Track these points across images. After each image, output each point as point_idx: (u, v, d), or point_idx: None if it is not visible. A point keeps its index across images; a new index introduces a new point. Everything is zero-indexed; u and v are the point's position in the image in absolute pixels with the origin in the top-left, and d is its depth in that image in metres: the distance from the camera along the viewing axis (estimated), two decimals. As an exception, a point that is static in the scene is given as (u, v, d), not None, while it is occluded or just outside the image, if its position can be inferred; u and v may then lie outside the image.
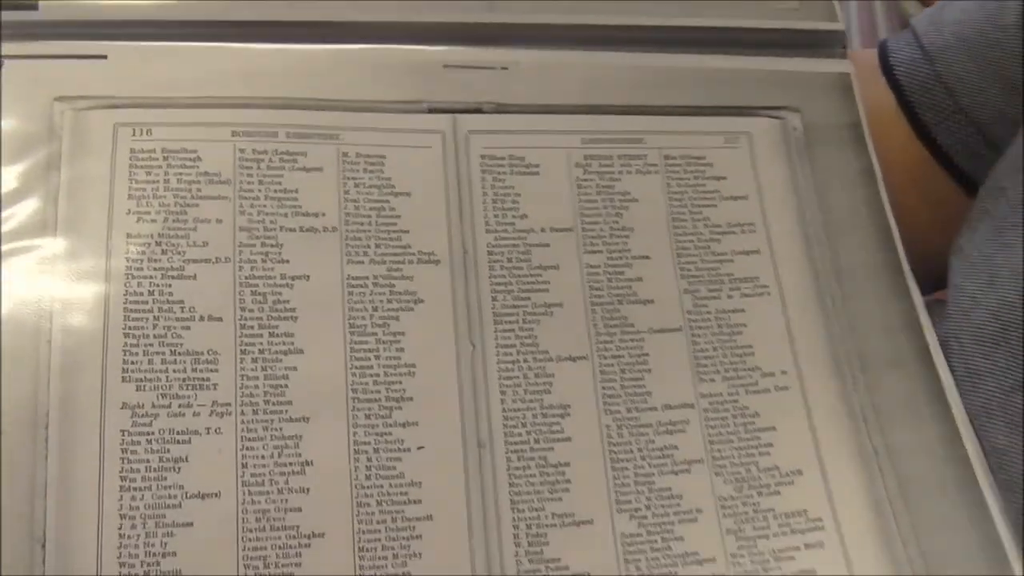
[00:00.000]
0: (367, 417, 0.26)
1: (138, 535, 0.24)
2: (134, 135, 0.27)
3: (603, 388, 0.28)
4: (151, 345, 0.25)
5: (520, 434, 0.27)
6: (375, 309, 0.27)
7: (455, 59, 0.30)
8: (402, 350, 0.27)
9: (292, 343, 0.26)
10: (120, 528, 0.24)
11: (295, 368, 0.26)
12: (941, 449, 0.29)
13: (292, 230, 0.27)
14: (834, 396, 0.29)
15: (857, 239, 0.32)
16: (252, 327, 0.26)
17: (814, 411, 0.29)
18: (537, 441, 0.27)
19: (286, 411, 0.26)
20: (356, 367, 0.27)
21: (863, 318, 0.31)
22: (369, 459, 0.26)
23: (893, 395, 0.29)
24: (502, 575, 0.26)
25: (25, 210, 0.25)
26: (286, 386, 0.26)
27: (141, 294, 0.26)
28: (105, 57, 0.27)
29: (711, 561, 0.27)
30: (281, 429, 0.25)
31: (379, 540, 0.25)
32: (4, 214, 0.25)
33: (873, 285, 0.31)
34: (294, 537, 0.25)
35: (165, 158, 0.27)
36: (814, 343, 0.30)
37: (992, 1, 0.36)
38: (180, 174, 0.27)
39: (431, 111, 0.30)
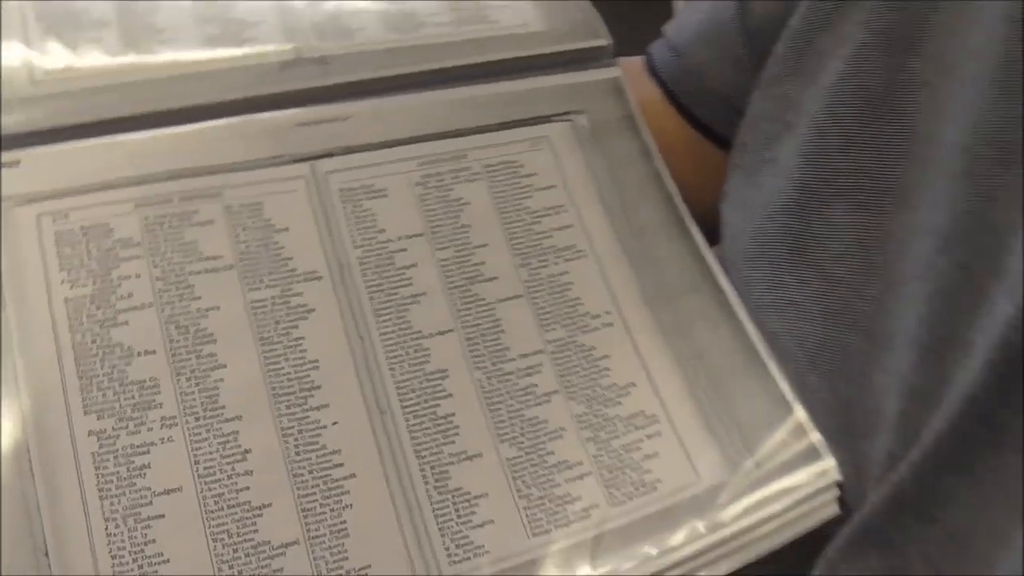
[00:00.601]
0: (288, 407, 0.33)
1: (122, 532, 0.30)
2: (55, 221, 0.33)
3: (470, 351, 0.35)
4: (102, 382, 0.31)
5: (412, 398, 0.34)
6: (277, 323, 0.34)
7: (304, 118, 0.37)
8: (304, 351, 0.34)
9: (216, 360, 0.32)
10: (106, 529, 0.29)
11: (222, 379, 0.32)
12: (733, 342, 0.37)
13: (199, 273, 0.33)
14: (649, 322, 0.37)
15: (648, 204, 0.40)
16: (181, 353, 0.32)
17: (636, 337, 0.37)
18: (426, 401, 0.34)
19: (221, 414, 0.32)
20: (270, 370, 0.33)
21: (662, 262, 0.39)
22: (296, 439, 0.32)
23: (693, 312, 0.38)
24: (418, 506, 0.32)
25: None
26: (218, 395, 0.32)
27: (86, 343, 0.31)
28: (19, 162, 0.33)
29: (579, 464, 0.34)
30: (220, 428, 0.32)
31: (316, 500, 0.32)
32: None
33: (666, 236, 0.40)
34: (248, 511, 0.31)
35: (84, 234, 0.33)
36: (627, 286, 0.38)
37: (716, 2, 0.45)
38: (99, 244, 0.33)
39: (293, 161, 0.36)
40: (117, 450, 0.30)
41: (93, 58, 0.35)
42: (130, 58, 0.35)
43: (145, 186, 0.34)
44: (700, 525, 0.33)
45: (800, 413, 0.35)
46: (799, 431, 0.35)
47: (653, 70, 0.48)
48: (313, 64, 0.38)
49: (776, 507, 0.33)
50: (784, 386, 0.36)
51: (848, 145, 0.37)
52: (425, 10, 0.41)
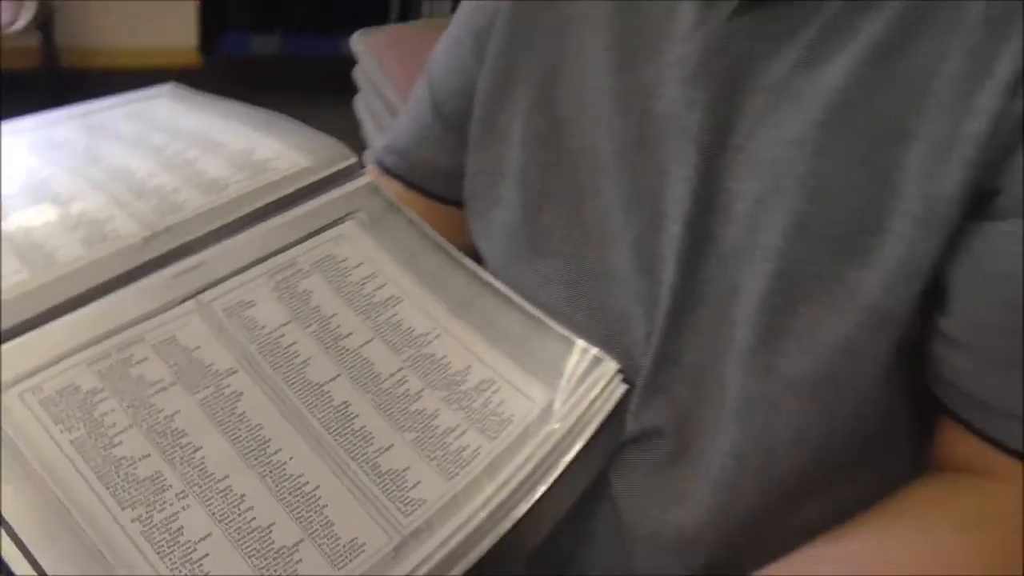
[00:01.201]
0: (256, 459, 0.45)
1: (182, 570, 0.41)
2: (34, 394, 0.43)
3: (357, 384, 0.49)
4: (123, 485, 0.42)
5: (333, 425, 0.47)
6: (222, 408, 0.46)
7: (177, 270, 0.50)
8: (249, 420, 0.46)
9: (193, 445, 0.44)
10: (171, 570, 0.40)
11: (204, 456, 0.44)
12: (520, 318, 0.54)
13: (153, 394, 0.45)
14: (462, 325, 0.53)
15: (428, 253, 0.57)
16: (168, 449, 0.44)
17: (458, 336, 0.53)
18: (343, 424, 0.48)
19: (213, 477, 0.44)
20: (232, 439, 0.45)
21: (452, 285, 0.55)
22: (272, 477, 0.45)
23: (487, 308, 0.54)
24: (370, 490, 0.46)
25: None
26: (205, 466, 0.44)
27: (99, 464, 0.42)
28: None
29: (458, 426, 0.49)
30: (217, 486, 0.43)
31: (302, 509, 0.44)
32: None
33: (450, 268, 0.56)
34: (262, 531, 0.43)
35: (60, 395, 0.44)
36: (437, 308, 0.54)
37: (417, 112, 0.64)
38: (74, 399, 0.44)
39: (183, 301, 0.49)
40: (156, 525, 0.41)
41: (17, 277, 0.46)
42: (51, 270, 0.47)
43: (88, 350, 0.45)
44: (552, 427, 0.49)
45: (580, 342, 0.53)
46: (583, 351, 0.53)
47: (388, 171, 0.65)
48: (164, 233, 0.51)
49: (593, 394, 0.50)
50: (562, 330, 0.53)
51: (545, 169, 0.56)
52: (225, 174, 0.55)
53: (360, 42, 1.78)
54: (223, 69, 2.99)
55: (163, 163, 0.57)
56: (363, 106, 1.79)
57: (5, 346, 0.44)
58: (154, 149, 0.58)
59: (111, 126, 0.62)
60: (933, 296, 0.46)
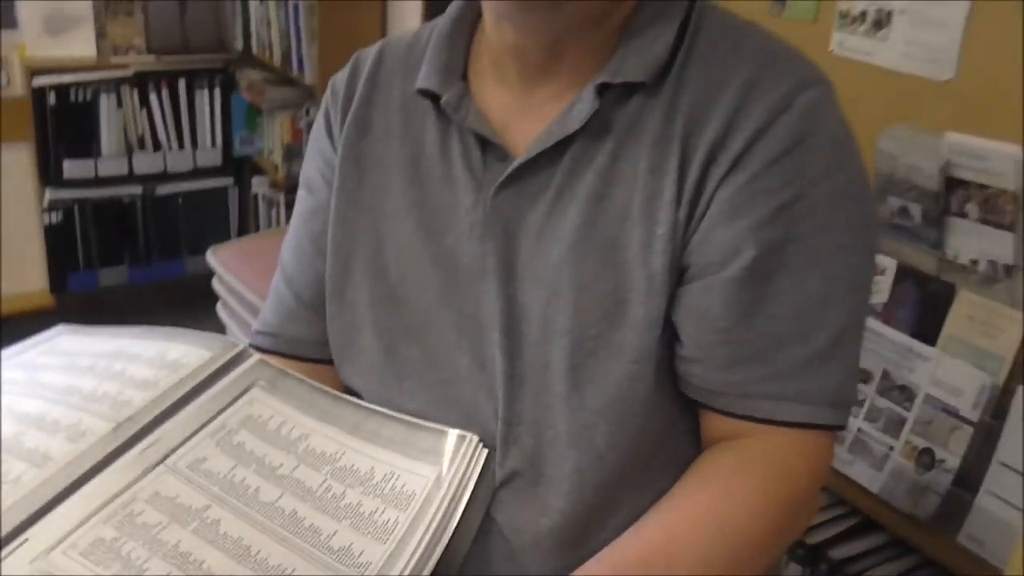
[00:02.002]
0: (253, 566, 0.61)
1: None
2: (74, 548, 0.58)
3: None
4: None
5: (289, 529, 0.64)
6: (213, 540, 0.62)
7: (143, 446, 0.66)
8: (237, 540, 0.62)
9: (210, 569, 0.60)
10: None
11: (204, 560, 0.60)
12: (388, 420, 0.73)
13: (159, 531, 0.61)
14: (346, 437, 0.72)
15: (316, 394, 0.75)
16: (189, 569, 0.59)
17: (358, 447, 0.71)
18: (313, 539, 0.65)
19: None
20: (235, 557, 0.61)
21: (337, 411, 0.74)
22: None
23: (359, 416, 0.73)
24: (324, 555, 0.63)
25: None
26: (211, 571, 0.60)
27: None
28: (27, 539, 0.58)
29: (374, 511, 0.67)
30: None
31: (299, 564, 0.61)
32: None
33: (334, 403, 0.75)
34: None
35: (92, 546, 0.58)
36: (338, 429, 0.72)
37: (280, 295, 0.83)
38: (102, 548, 0.58)
39: (154, 466, 0.65)
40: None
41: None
42: (51, 464, 0.62)
43: (102, 512, 0.61)
44: (445, 491, 0.68)
45: (447, 429, 0.72)
46: (451, 434, 0.72)
47: (266, 351, 0.83)
48: (125, 423, 0.67)
49: (466, 462, 0.70)
50: (431, 425, 0.73)
51: (391, 319, 0.77)
52: (152, 374, 0.72)
53: (214, 257, 1.95)
54: (76, 305, 3.06)
55: (100, 376, 0.73)
56: (226, 312, 1.95)
57: (42, 523, 0.58)
58: (86, 369, 0.74)
59: (38, 362, 0.77)
60: (673, 334, 0.70)
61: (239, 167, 3.27)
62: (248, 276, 1.92)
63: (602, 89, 0.69)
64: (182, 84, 3.06)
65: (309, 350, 0.84)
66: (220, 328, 1.97)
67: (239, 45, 3.13)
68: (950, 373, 1.19)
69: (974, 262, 1.19)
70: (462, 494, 0.68)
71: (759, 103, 0.66)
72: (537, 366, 0.71)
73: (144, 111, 3.03)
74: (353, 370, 0.80)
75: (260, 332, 0.86)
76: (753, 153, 0.65)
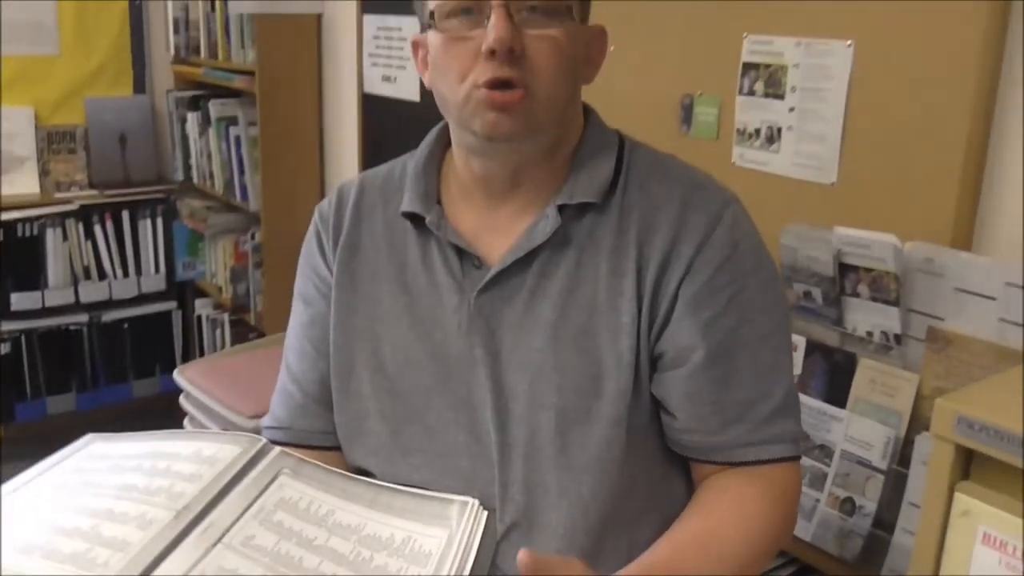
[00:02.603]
0: None
1: None
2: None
3: None
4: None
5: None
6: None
7: (202, 528, 0.76)
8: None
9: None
10: None
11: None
12: (401, 495, 0.85)
13: None
14: (368, 511, 0.84)
15: (332, 478, 0.87)
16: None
17: (375, 516, 0.83)
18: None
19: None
20: None
21: (356, 491, 0.86)
22: None
23: (376, 497, 0.85)
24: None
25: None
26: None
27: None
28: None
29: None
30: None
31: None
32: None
33: (350, 482, 0.86)
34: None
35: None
36: (358, 506, 0.84)
37: (286, 392, 0.95)
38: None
39: (213, 547, 0.76)
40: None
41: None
42: (130, 548, 0.72)
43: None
44: (456, 548, 0.80)
45: (452, 496, 0.84)
46: (455, 501, 0.84)
47: (280, 444, 0.94)
48: (183, 511, 0.78)
49: (471, 523, 0.82)
50: (437, 495, 0.85)
51: (393, 406, 0.89)
52: (195, 469, 0.83)
53: (182, 376, 2.07)
54: (24, 434, 3.02)
55: (149, 474, 0.83)
56: (193, 426, 2.06)
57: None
58: (134, 468, 0.85)
59: (83, 466, 0.88)
60: (657, 409, 0.86)
61: (181, 291, 3.35)
62: (217, 391, 2.01)
63: (561, 208, 0.85)
64: (125, 215, 3.16)
65: (318, 439, 0.95)
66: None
67: (179, 176, 3.25)
68: (860, 430, 1.36)
69: (870, 333, 1.37)
70: (470, 550, 0.80)
71: (696, 219, 0.83)
72: (525, 435, 0.84)
73: (89, 242, 3.11)
74: (362, 452, 0.92)
75: (273, 427, 0.97)
76: (702, 260, 0.83)
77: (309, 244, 1.00)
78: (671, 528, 0.84)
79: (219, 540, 0.77)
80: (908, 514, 1.30)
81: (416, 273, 0.91)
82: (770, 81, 1.54)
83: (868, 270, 1.35)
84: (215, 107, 2.94)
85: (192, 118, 3.11)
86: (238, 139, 2.85)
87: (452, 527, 0.82)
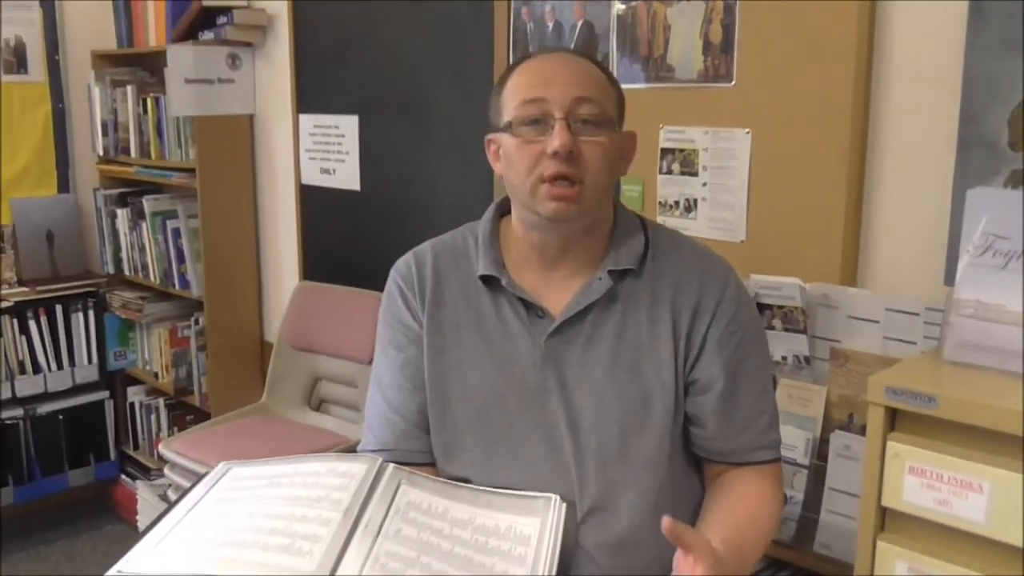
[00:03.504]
0: None
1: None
2: (361, 585, 0.90)
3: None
4: None
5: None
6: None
7: (361, 526, 0.99)
8: None
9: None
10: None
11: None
12: (487, 494, 1.10)
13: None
14: (473, 509, 1.07)
15: (438, 485, 1.10)
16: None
17: (483, 511, 1.07)
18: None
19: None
20: None
21: (460, 494, 1.09)
22: None
23: (477, 497, 1.09)
24: None
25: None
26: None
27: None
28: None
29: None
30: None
31: None
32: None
33: (453, 488, 1.10)
34: None
35: (371, 582, 0.91)
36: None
37: (386, 420, 1.18)
38: (379, 579, 0.91)
39: (376, 537, 0.98)
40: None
41: None
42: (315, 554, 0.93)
43: (364, 570, 0.93)
44: (547, 533, 1.04)
45: (539, 494, 1.09)
46: (542, 497, 1.08)
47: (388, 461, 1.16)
48: (342, 518, 0.99)
49: (556, 514, 1.06)
50: (528, 494, 1.09)
51: (484, 430, 1.14)
52: (338, 482, 1.04)
53: (168, 448, 2.22)
54: None
55: (304, 487, 1.05)
56: (176, 494, 2.22)
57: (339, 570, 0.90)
58: (287, 484, 1.06)
59: (238, 485, 1.08)
60: (690, 420, 1.14)
61: (111, 380, 3.41)
62: (205, 458, 2.17)
63: (611, 273, 1.13)
64: (58, 309, 3.22)
65: (418, 457, 1.18)
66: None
67: (109, 269, 3.34)
68: (785, 436, 1.67)
69: (784, 358, 1.70)
70: (558, 531, 1.05)
71: (713, 283, 1.15)
72: (595, 444, 1.11)
73: (24, 337, 3.15)
74: (457, 466, 1.15)
75: (379, 449, 1.18)
76: (720, 312, 1.14)
77: (393, 300, 1.22)
78: (726, 513, 1.11)
79: (378, 533, 0.99)
80: (830, 497, 1.62)
81: (492, 322, 1.16)
82: (685, 162, 1.88)
83: (780, 307, 1.68)
84: (149, 203, 3.08)
85: (122, 214, 3.24)
86: (176, 231, 3.00)
87: (542, 516, 1.06)
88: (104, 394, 3.38)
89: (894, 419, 1.13)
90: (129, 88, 3.15)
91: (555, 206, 1.09)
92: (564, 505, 1.08)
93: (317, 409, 2.53)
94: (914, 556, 1.11)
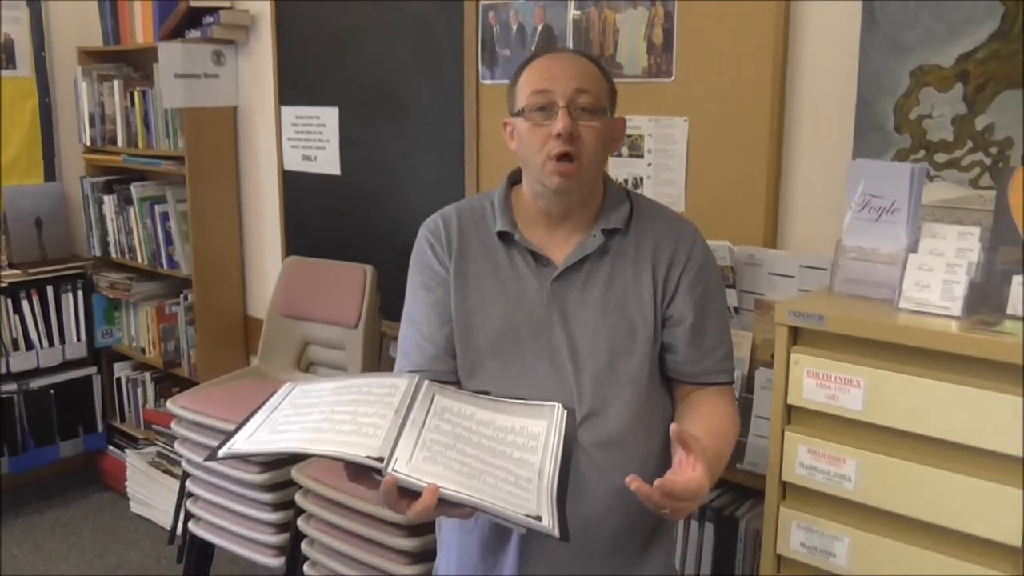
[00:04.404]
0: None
1: None
2: (413, 460, 1.19)
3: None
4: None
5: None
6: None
7: (410, 418, 1.27)
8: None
9: None
10: None
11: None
12: (503, 403, 1.39)
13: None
14: (493, 414, 1.37)
15: (465, 394, 1.39)
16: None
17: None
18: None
19: None
20: None
21: (482, 402, 1.38)
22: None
23: (495, 405, 1.38)
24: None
25: None
26: None
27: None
28: None
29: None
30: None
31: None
32: None
33: (476, 398, 1.39)
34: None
35: (423, 457, 1.19)
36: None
37: (423, 346, 1.47)
38: (425, 456, 1.20)
39: (422, 427, 1.27)
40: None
41: None
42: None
43: (416, 451, 1.21)
44: (552, 431, 1.34)
45: (545, 402, 1.38)
46: (548, 404, 1.38)
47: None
48: (397, 410, 1.28)
49: (559, 415, 1.36)
50: (536, 402, 1.38)
51: (500, 352, 1.42)
52: (386, 390, 1.33)
53: (175, 404, 2.47)
54: None
55: (362, 394, 1.27)
56: (186, 447, 2.46)
57: (397, 451, 1.18)
58: (346, 391, 1.30)
59: (309, 394, 1.32)
60: (665, 348, 1.43)
61: (98, 357, 3.63)
62: (212, 411, 2.43)
63: (603, 231, 1.43)
64: (49, 290, 3.43)
65: (446, 376, 1.44)
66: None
67: (96, 252, 3.56)
68: (718, 374, 2.00)
69: (718, 310, 2.02)
70: (561, 430, 1.32)
71: (684, 241, 1.43)
72: (591, 365, 1.39)
73: (17, 316, 3.36)
74: (479, 383, 1.42)
75: (415, 370, 1.44)
76: (691, 263, 1.42)
77: (423, 252, 1.49)
78: (704, 423, 1.36)
79: (423, 426, 1.24)
80: (756, 424, 1.95)
81: (506, 270, 1.44)
82: (632, 146, 2.20)
83: (713, 266, 2.00)
84: (137, 189, 3.31)
85: (109, 200, 3.46)
86: (165, 215, 3.23)
87: (548, 419, 1.32)
88: (92, 370, 3.60)
89: (796, 336, 1.45)
90: (116, 83, 3.37)
91: (559, 180, 1.38)
92: (566, 412, 1.35)
93: (306, 370, 2.79)
94: (812, 441, 1.43)
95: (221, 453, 1.22)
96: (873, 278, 1.45)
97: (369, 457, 1.16)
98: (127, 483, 3.42)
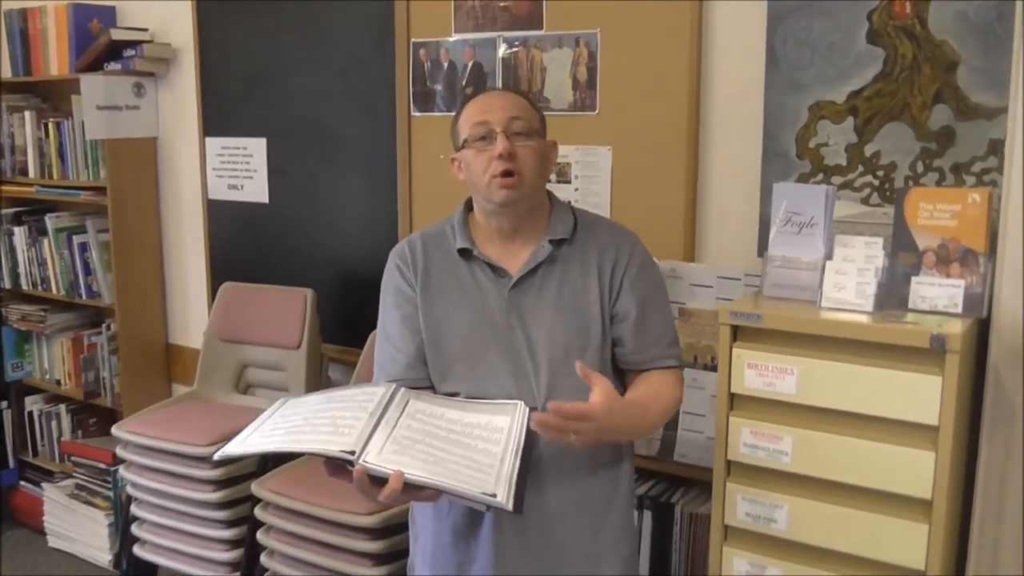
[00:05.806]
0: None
1: None
2: (383, 452, 1.32)
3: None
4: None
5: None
6: None
7: (391, 418, 1.41)
8: None
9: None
10: None
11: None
12: (470, 403, 1.54)
13: None
14: (461, 412, 1.51)
15: (436, 398, 1.53)
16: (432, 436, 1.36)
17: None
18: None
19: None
20: None
21: (450, 403, 1.53)
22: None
23: (463, 406, 1.53)
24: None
25: None
26: None
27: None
28: None
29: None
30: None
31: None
32: None
33: (446, 400, 1.53)
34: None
35: (392, 449, 1.33)
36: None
37: (394, 356, 1.60)
38: (394, 449, 1.33)
39: (396, 422, 1.40)
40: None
41: None
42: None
43: (387, 445, 1.35)
44: (515, 427, 1.50)
45: (508, 400, 1.54)
46: (511, 402, 1.54)
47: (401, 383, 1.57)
48: (373, 412, 1.41)
49: (522, 412, 1.52)
50: (500, 401, 1.54)
51: (468, 355, 1.57)
52: (378, 397, 1.46)
53: (120, 430, 2.46)
54: None
55: (342, 402, 1.44)
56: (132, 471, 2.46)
57: (369, 446, 1.32)
58: (329, 401, 1.45)
59: (300, 404, 1.46)
60: (615, 343, 1.60)
61: (6, 391, 3.54)
62: (157, 434, 2.47)
63: (551, 242, 1.60)
64: (-45, 325, 3.35)
65: (420, 382, 1.58)
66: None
67: (6, 285, 3.48)
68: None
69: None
70: (523, 425, 1.49)
71: (624, 247, 1.62)
72: (547, 362, 1.56)
73: (-75, 354, 3.26)
74: (449, 385, 1.57)
75: (393, 380, 1.58)
76: (631, 266, 1.60)
77: (392, 274, 1.64)
78: (635, 389, 1.57)
79: (395, 425, 1.40)
80: (684, 419, 2.17)
81: (468, 282, 1.59)
82: (560, 173, 2.40)
83: (641, 279, 2.21)
84: (52, 220, 3.28)
85: (20, 231, 3.40)
86: (83, 245, 3.22)
87: (511, 415, 1.49)
88: (1, 404, 3.51)
89: (736, 334, 1.67)
90: (28, 113, 3.33)
91: (504, 193, 1.55)
92: (527, 408, 1.52)
93: (244, 392, 2.84)
94: (753, 423, 1.65)
95: (217, 456, 1.36)
96: (797, 282, 1.69)
97: (343, 451, 1.31)
98: (45, 518, 3.34)
